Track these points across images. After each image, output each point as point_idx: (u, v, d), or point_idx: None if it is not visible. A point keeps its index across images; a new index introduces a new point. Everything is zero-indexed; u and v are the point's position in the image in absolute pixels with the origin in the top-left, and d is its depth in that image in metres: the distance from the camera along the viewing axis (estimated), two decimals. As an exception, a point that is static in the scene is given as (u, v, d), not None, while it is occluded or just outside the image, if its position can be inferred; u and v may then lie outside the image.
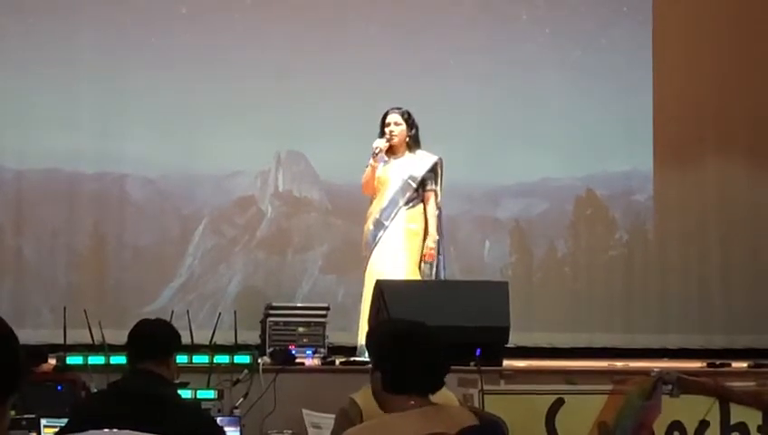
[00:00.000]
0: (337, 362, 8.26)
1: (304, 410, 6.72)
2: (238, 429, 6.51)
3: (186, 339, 6.49)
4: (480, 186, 10.90)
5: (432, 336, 3.93)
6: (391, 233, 8.60)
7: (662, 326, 10.99)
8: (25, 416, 6.15)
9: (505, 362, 8.00)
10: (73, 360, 7.22)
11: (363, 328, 8.27)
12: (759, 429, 6.59)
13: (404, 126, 8.66)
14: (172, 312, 8.11)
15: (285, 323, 9.10)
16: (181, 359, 6.47)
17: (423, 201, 8.70)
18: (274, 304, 9.41)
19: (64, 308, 7.84)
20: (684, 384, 4.89)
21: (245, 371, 7.33)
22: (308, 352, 8.83)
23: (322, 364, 8.34)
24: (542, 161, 10.99)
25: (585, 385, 7.12)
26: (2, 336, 2.63)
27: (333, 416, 4.88)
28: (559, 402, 6.70)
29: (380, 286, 7.93)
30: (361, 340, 8.28)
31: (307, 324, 9.14)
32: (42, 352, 7.61)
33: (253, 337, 9.13)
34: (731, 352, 10.15)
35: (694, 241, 11.19)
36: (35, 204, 10.29)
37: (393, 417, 3.78)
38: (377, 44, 10.75)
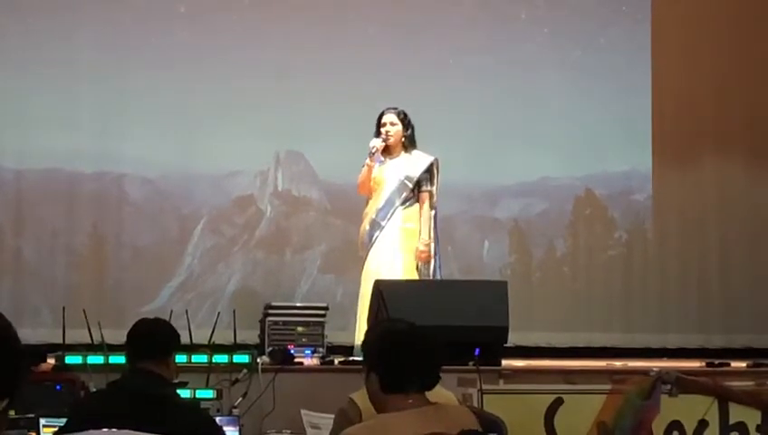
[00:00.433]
0: (336, 361, 8.25)
1: (303, 411, 6.72)
2: (237, 428, 6.51)
3: (185, 338, 6.49)
4: (479, 185, 10.90)
5: (426, 335, 3.93)
6: (388, 233, 8.59)
7: (661, 326, 11.00)
8: (24, 416, 6.15)
9: (504, 362, 7.99)
10: (72, 359, 7.22)
11: (361, 328, 8.27)
12: (758, 428, 6.60)
13: (400, 126, 8.65)
14: (171, 311, 8.10)
15: (284, 323, 9.10)
16: (180, 358, 6.46)
17: (418, 202, 8.69)
18: (273, 303, 9.41)
19: (63, 308, 7.84)
20: (683, 384, 4.89)
21: (244, 370, 7.33)
22: (307, 351, 8.83)
23: (321, 364, 8.34)
24: (542, 161, 10.99)
25: (584, 385, 7.14)
26: (1, 337, 2.63)
27: (332, 416, 4.88)
28: (558, 402, 6.71)
29: (379, 286, 7.93)
30: (359, 340, 8.28)
31: (306, 324, 9.14)
32: (41, 351, 7.60)
33: (252, 337, 9.13)
34: (730, 351, 10.16)
35: (693, 241, 11.19)
36: (35, 204, 10.28)
37: (392, 416, 3.78)
38: (376, 44, 10.75)
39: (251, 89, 10.41)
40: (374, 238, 8.60)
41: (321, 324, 9.16)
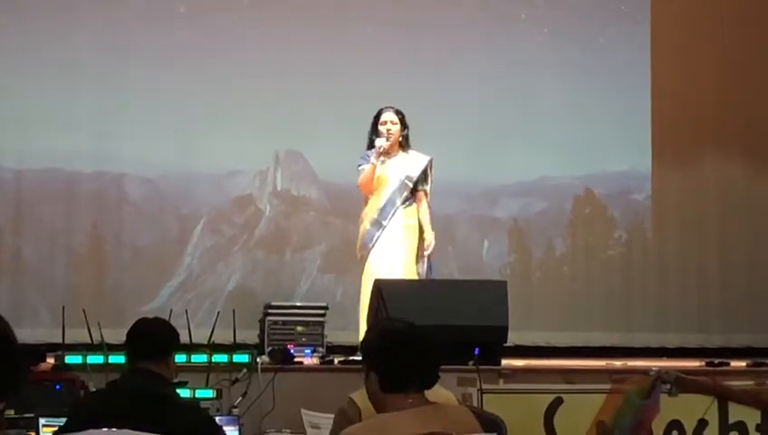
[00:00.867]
0: (335, 361, 8.25)
1: (303, 411, 6.71)
2: (237, 428, 6.50)
3: (184, 338, 6.49)
4: (478, 185, 10.90)
5: (425, 335, 3.94)
6: (389, 232, 8.59)
7: (661, 325, 11.00)
8: (24, 415, 6.14)
9: (504, 362, 8.00)
10: (72, 359, 7.21)
11: (363, 328, 8.26)
12: (757, 428, 6.60)
13: (399, 125, 8.66)
14: (171, 311, 8.11)
15: (284, 323, 9.11)
16: (180, 358, 6.47)
17: (415, 200, 8.69)
18: (273, 303, 9.41)
19: (63, 307, 7.83)
20: (682, 383, 4.88)
21: (244, 370, 7.33)
22: (306, 351, 8.84)
23: (321, 363, 8.35)
24: (541, 160, 11.00)
25: (584, 384, 7.14)
26: (1, 337, 2.64)
27: (332, 416, 4.87)
28: (557, 401, 6.72)
29: (379, 286, 7.93)
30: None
31: (306, 324, 9.14)
32: (40, 351, 7.60)
33: (251, 336, 9.13)
34: (729, 351, 10.16)
35: (692, 240, 11.19)
36: (34, 204, 10.28)
37: (391, 416, 3.79)
38: (375, 44, 10.75)
39: (250, 88, 10.41)
40: (376, 238, 8.59)
41: (321, 324, 9.17)
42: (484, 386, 6.69)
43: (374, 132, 8.66)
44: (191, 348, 7.43)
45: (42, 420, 6.09)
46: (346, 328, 9.45)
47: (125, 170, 10.42)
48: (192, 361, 7.25)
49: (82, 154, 10.28)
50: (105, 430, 4.29)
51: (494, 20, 11.02)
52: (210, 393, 6.96)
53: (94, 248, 10.37)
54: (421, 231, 8.65)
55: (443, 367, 3.98)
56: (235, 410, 6.99)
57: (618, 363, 8.85)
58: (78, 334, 7.89)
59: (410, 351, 3.85)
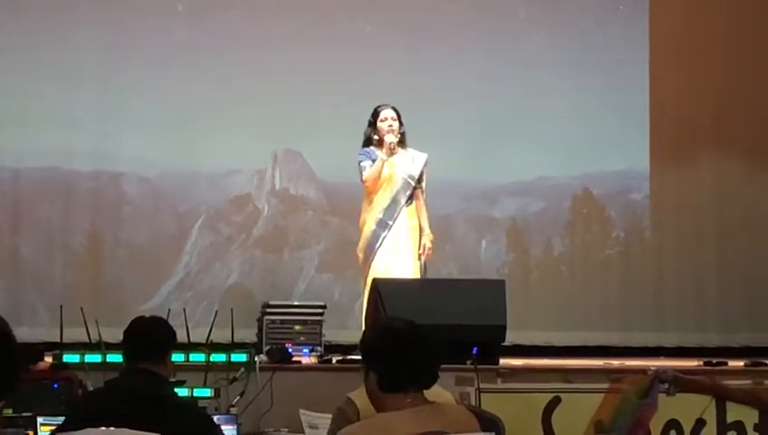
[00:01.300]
0: (333, 360, 8.25)
1: (301, 411, 6.71)
2: (235, 427, 6.50)
3: (182, 337, 6.50)
4: (477, 184, 10.90)
5: (424, 333, 3.93)
6: (395, 232, 8.58)
7: (659, 325, 11.00)
8: (22, 414, 6.14)
9: (502, 361, 8.00)
10: (70, 358, 7.21)
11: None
12: (755, 427, 6.60)
13: (398, 122, 8.65)
14: (169, 310, 8.11)
15: (282, 322, 9.11)
16: (178, 357, 6.48)
17: (414, 200, 8.69)
18: (271, 302, 9.41)
19: (61, 306, 7.83)
20: (680, 383, 4.89)
21: (242, 369, 7.33)
22: (305, 350, 8.84)
23: (319, 362, 8.35)
24: (539, 160, 10.99)
25: (582, 384, 7.14)
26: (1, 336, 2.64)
27: (330, 416, 4.87)
28: (555, 401, 6.71)
29: (377, 285, 7.93)
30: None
31: (304, 323, 9.15)
32: (38, 350, 7.59)
33: (249, 335, 9.13)
34: (727, 350, 10.17)
35: (690, 239, 11.19)
36: (32, 202, 10.28)
37: (390, 415, 3.79)
38: (374, 43, 10.75)
39: (249, 88, 10.41)
40: (382, 238, 8.57)
41: (319, 323, 9.18)
42: (483, 385, 6.69)
43: (373, 130, 8.65)
44: (189, 347, 7.44)
45: (40, 419, 6.08)
46: (344, 327, 9.46)
47: (123, 169, 10.42)
48: (190, 360, 7.26)
49: (81, 153, 10.28)
50: (103, 429, 4.29)
51: (492, 19, 11.01)
52: (208, 392, 6.96)
53: (92, 247, 10.36)
54: (421, 230, 8.65)
55: (441, 366, 3.97)
56: (233, 410, 6.99)
57: (616, 363, 8.86)
58: (76, 333, 7.89)
59: (410, 350, 3.85)
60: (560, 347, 10.47)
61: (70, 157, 10.26)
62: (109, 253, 10.40)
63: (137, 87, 10.32)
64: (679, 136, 11.23)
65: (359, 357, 4.17)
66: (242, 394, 7.19)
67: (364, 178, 8.61)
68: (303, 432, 6.64)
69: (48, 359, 7.44)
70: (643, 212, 11.27)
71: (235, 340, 8.19)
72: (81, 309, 7.68)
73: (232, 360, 7.40)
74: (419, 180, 8.70)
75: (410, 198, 8.65)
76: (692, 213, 11.23)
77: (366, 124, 8.76)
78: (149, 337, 4.91)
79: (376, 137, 8.63)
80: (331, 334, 9.36)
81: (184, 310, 8.42)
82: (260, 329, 9.12)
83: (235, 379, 7.26)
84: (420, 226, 8.64)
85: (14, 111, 10.19)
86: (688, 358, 9.49)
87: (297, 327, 9.10)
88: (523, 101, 10.95)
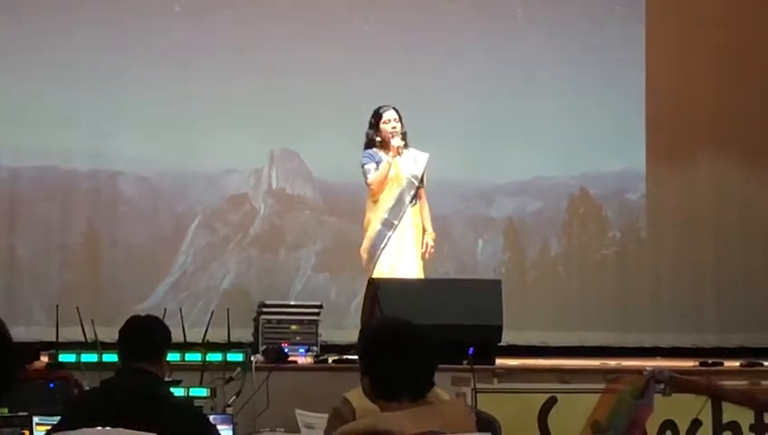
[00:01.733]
0: (330, 360, 8.25)
1: (297, 411, 6.70)
2: (231, 427, 6.50)
3: (178, 337, 6.49)
4: (473, 184, 10.90)
5: (422, 335, 3.92)
6: (400, 232, 8.59)
7: (655, 325, 11.01)
8: (18, 413, 6.14)
9: (498, 361, 8.00)
10: (66, 357, 7.21)
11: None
12: (751, 427, 6.60)
13: (400, 123, 8.66)
14: (165, 310, 8.11)
15: (278, 321, 9.11)
16: (174, 357, 6.48)
17: (417, 199, 8.72)
18: (267, 301, 9.41)
19: (57, 306, 7.83)
20: (676, 383, 4.90)
21: (238, 369, 7.32)
22: (301, 350, 8.84)
23: (315, 362, 8.35)
24: (536, 160, 11.00)
25: (578, 384, 7.14)
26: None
27: (326, 416, 4.87)
28: (551, 401, 6.71)
29: (374, 284, 7.93)
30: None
31: (300, 322, 9.14)
32: (34, 349, 7.59)
33: (245, 335, 9.13)
34: (723, 350, 10.17)
35: (686, 240, 11.20)
36: (29, 201, 10.28)
37: (386, 415, 3.78)
38: (372, 43, 10.75)
39: (246, 87, 10.41)
40: (387, 238, 8.58)
41: (315, 323, 9.17)
42: (479, 385, 6.69)
43: (375, 132, 8.64)
44: (185, 347, 7.43)
45: (36, 419, 6.08)
46: (340, 327, 9.46)
47: (120, 169, 10.43)
48: (186, 359, 7.25)
49: (78, 152, 10.29)
50: (99, 428, 4.29)
51: (490, 20, 11.01)
52: (204, 392, 6.95)
53: (89, 246, 10.36)
54: (424, 230, 8.67)
55: (438, 366, 3.97)
56: (229, 409, 6.98)
57: (612, 363, 8.86)
58: (72, 333, 7.89)
59: (407, 353, 3.83)
60: (556, 347, 10.47)
61: (67, 156, 10.26)
62: (105, 252, 10.40)
63: (134, 87, 10.32)
64: (676, 136, 11.23)
65: (355, 357, 4.18)
66: (238, 394, 7.18)
67: (369, 181, 8.60)
68: (299, 432, 6.64)
69: (44, 358, 7.43)
70: (640, 212, 11.28)
71: (232, 339, 8.18)
72: (78, 309, 7.68)
73: (228, 359, 7.39)
74: (422, 180, 8.72)
75: (414, 198, 8.67)
76: (688, 213, 11.23)
77: (364, 124, 8.75)
78: (145, 336, 4.91)
79: (378, 139, 8.63)
80: (328, 334, 9.35)
81: (180, 309, 8.40)
82: (256, 329, 9.11)
83: (231, 378, 7.26)
84: (423, 225, 8.67)
85: (11, 111, 10.18)
86: (684, 358, 9.49)
87: (293, 327, 9.10)
88: (520, 102, 10.95)
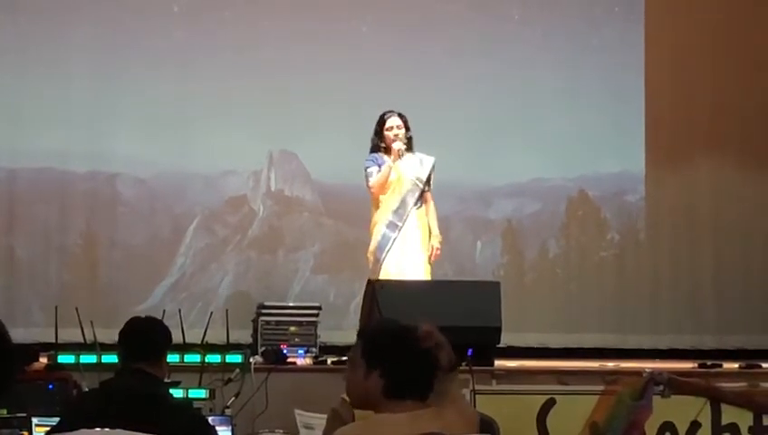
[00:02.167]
0: (329, 361, 8.26)
1: (296, 411, 6.71)
2: (230, 428, 6.50)
3: (177, 338, 6.48)
4: (472, 186, 10.90)
5: (425, 338, 3.92)
6: (405, 234, 8.61)
7: (653, 327, 11.00)
8: (17, 414, 6.14)
9: (497, 363, 8.01)
10: (65, 359, 7.21)
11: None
12: (750, 429, 6.61)
13: (404, 128, 8.69)
14: (164, 311, 8.11)
15: (277, 323, 9.11)
16: (173, 358, 6.47)
17: (423, 203, 8.74)
18: (266, 303, 9.41)
19: (56, 307, 7.84)
20: (675, 385, 4.89)
21: (237, 370, 7.33)
22: (300, 351, 8.84)
23: (314, 364, 8.35)
24: (535, 162, 11.00)
25: (576, 385, 7.14)
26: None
27: (325, 416, 4.87)
28: (550, 402, 6.72)
29: (373, 286, 7.94)
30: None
31: (299, 324, 9.14)
32: (33, 350, 7.59)
33: (244, 336, 9.13)
34: (722, 352, 10.17)
35: (685, 242, 11.20)
36: (27, 203, 10.28)
37: (386, 416, 3.78)
38: (370, 44, 10.75)
39: (244, 88, 10.41)
40: (393, 240, 8.60)
41: (314, 324, 9.17)
42: (477, 387, 6.69)
43: (380, 138, 8.67)
44: (184, 348, 7.43)
45: (35, 420, 6.08)
46: (339, 328, 9.46)
47: (119, 170, 10.43)
48: (185, 361, 7.25)
49: (76, 154, 10.29)
50: (98, 430, 4.29)
51: (487, 20, 11.01)
52: (203, 393, 6.96)
53: (87, 248, 10.36)
54: (430, 232, 8.70)
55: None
56: (228, 411, 6.99)
57: (610, 365, 8.85)
58: (71, 334, 7.90)
59: (413, 355, 3.83)
60: (555, 349, 10.47)
61: (65, 157, 10.27)
62: (104, 254, 10.40)
63: (133, 88, 10.32)
64: (674, 138, 11.23)
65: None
66: (237, 395, 7.19)
67: (370, 184, 8.66)
68: (298, 433, 6.65)
69: (43, 360, 7.44)
70: (638, 214, 11.28)
71: (231, 341, 8.19)
72: (77, 310, 7.68)
73: (227, 361, 7.40)
74: (427, 183, 8.74)
75: (419, 201, 8.70)
76: (687, 215, 11.23)
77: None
78: (145, 338, 4.91)
79: (383, 144, 8.67)
80: (326, 336, 9.35)
81: (179, 311, 8.41)
82: (255, 330, 9.11)
83: (230, 380, 7.26)
84: (429, 227, 8.70)
85: (9, 111, 10.19)
86: (683, 360, 9.50)
87: (292, 328, 9.09)
88: (518, 103, 10.95)
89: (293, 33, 10.56)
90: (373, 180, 8.62)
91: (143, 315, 5.27)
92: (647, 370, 4.97)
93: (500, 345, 8.20)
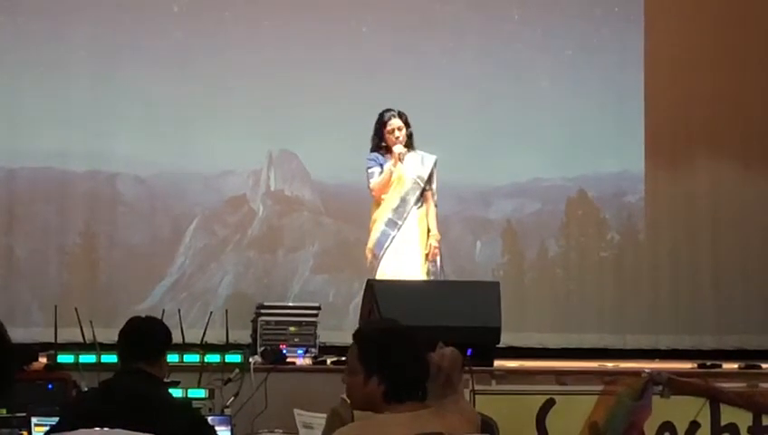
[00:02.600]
0: (328, 361, 8.25)
1: (296, 411, 6.71)
2: (229, 428, 6.49)
3: (177, 338, 6.48)
4: (472, 186, 10.90)
5: (422, 340, 3.92)
6: (405, 232, 8.60)
7: (653, 327, 11.01)
8: (16, 414, 6.14)
9: (496, 363, 8.00)
10: (64, 358, 7.20)
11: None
12: (749, 430, 6.61)
13: (405, 128, 8.68)
14: (163, 311, 8.11)
15: (276, 323, 9.11)
16: (172, 358, 6.47)
17: (424, 201, 8.73)
18: (266, 303, 9.41)
19: (55, 307, 7.83)
20: (674, 385, 4.89)
21: (236, 370, 7.32)
22: (299, 351, 8.84)
23: (313, 364, 8.35)
24: (534, 162, 11.00)
25: (576, 386, 7.14)
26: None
27: (325, 416, 4.87)
28: (550, 403, 6.71)
29: (372, 286, 7.93)
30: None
31: (298, 324, 9.14)
32: (32, 350, 7.58)
33: (244, 336, 9.13)
34: (722, 352, 10.18)
35: (684, 242, 11.20)
36: (27, 203, 10.28)
37: (386, 417, 3.78)
38: (369, 44, 10.75)
39: (244, 88, 10.41)
40: (392, 238, 8.59)
41: (314, 324, 9.17)
42: (477, 387, 6.67)
43: (380, 138, 8.66)
44: (184, 348, 7.42)
45: (34, 420, 6.08)
46: (339, 328, 9.45)
47: (118, 170, 10.43)
48: (184, 360, 7.24)
49: (76, 153, 10.29)
50: (97, 429, 4.29)
51: (487, 20, 11.02)
52: (202, 393, 6.95)
53: (87, 248, 10.36)
54: (429, 231, 8.69)
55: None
56: (228, 410, 6.98)
57: (610, 365, 8.86)
58: (70, 334, 7.89)
59: (413, 356, 3.83)
60: (554, 349, 10.48)
61: (65, 157, 10.26)
62: (104, 253, 10.40)
63: (132, 88, 10.32)
64: (674, 138, 11.23)
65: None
66: (236, 395, 7.19)
67: (371, 185, 8.65)
68: (298, 433, 6.65)
69: (42, 359, 7.43)
70: (638, 214, 11.28)
71: (230, 341, 8.18)
72: (76, 309, 7.68)
73: (226, 361, 7.39)
74: (429, 181, 8.73)
75: (420, 200, 8.69)
76: (686, 215, 11.23)
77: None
78: (145, 337, 4.92)
79: (384, 144, 8.66)
80: (326, 336, 9.34)
81: (179, 311, 8.40)
82: (254, 330, 9.11)
83: (229, 380, 7.26)
84: (428, 227, 8.69)
85: (8, 111, 10.18)
86: (682, 360, 9.50)
87: (291, 328, 9.09)
88: (518, 103, 10.95)
89: (293, 34, 10.56)
90: (374, 182, 8.62)
91: (143, 315, 5.27)
92: (646, 370, 4.97)
93: (499, 345, 8.19)
